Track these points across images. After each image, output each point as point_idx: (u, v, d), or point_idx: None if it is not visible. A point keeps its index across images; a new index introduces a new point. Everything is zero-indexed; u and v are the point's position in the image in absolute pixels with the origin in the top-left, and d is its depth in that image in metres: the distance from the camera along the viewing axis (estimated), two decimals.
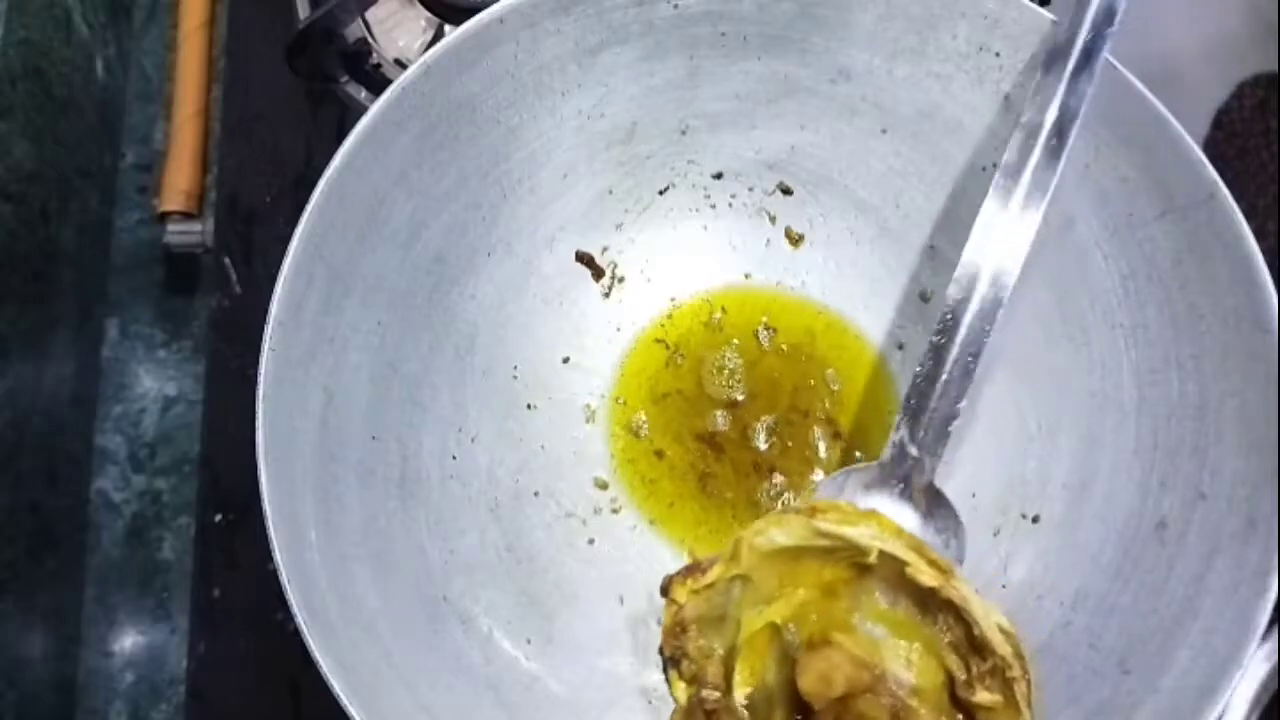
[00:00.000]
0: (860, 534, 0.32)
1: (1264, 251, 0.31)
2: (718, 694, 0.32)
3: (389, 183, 0.34)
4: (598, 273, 0.41)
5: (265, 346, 0.31)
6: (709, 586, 0.33)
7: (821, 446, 0.40)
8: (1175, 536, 0.33)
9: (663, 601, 0.36)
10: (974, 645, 0.31)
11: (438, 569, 0.35)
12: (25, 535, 0.41)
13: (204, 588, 0.41)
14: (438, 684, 0.32)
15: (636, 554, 0.39)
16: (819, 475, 0.40)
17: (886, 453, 0.34)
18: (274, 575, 0.29)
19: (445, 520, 0.36)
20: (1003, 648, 0.31)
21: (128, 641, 0.44)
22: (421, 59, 0.33)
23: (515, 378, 0.39)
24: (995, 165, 0.37)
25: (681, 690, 0.33)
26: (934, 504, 0.34)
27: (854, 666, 0.30)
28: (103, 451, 0.46)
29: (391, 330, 0.35)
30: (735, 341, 0.41)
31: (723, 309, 0.41)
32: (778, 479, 0.40)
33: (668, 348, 0.41)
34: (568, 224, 0.40)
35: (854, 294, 0.41)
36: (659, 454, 0.40)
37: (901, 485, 0.34)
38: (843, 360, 0.41)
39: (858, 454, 0.40)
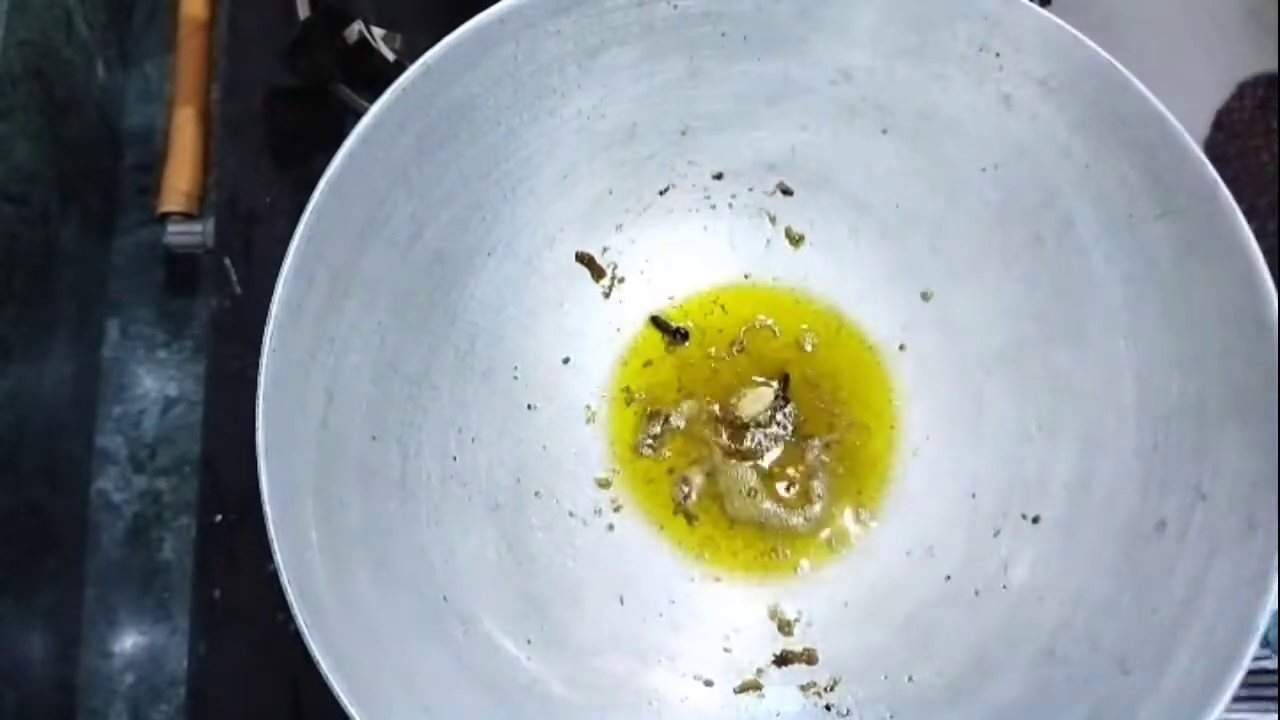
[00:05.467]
0: None
1: (1264, 251, 0.31)
2: None
3: (389, 183, 0.34)
4: (598, 273, 0.41)
5: (265, 347, 0.31)
6: None
7: (820, 445, 0.40)
8: (1175, 536, 0.33)
9: (663, 601, 0.36)
10: None
11: (438, 569, 0.35)
12: (25, 535, 0.41)
13: (204, 588, 0.41)
14: (438, 684, 0.32)
15: (637, 554, 0.39)
16: (817, 476, 0.40)
17: None
18: (274, 575, 0.29)
19: (445, 520, 0.36)
20: None
21: (128, 642, 0.44)
22: (421, 59, 0.33)
23: (515, 378, 0.39)
24: (995, 165, 0.37)
25: None
26: None
27: None
28: (103, 452, 0.46)
29: (392, 331, 0.35)
30: (735, 341, 0.41)
31: (723, 309, 0.41)
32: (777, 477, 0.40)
33: (668, 347, 0.41)
34: (568, 224, 0.40)
35: (854, 294, 0.41)
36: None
37: None
38: (842, 359, 0.41)
39: (856, 453, 0.40)
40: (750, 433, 0.40)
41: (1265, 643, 0.36)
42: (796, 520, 0.39)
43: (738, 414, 0.40)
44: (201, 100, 0.48)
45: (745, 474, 0.39)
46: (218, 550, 0.41)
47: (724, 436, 0.40)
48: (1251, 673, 0.29)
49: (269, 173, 0.46)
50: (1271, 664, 0.39)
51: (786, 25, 0.36)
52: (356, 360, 0.34)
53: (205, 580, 0.41)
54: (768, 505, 0.39)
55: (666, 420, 0.40)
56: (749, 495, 0.39)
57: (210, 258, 0.45)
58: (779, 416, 0.40)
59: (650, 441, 0.39)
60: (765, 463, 0.40)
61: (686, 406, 0.40)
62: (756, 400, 0.40)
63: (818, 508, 0.39)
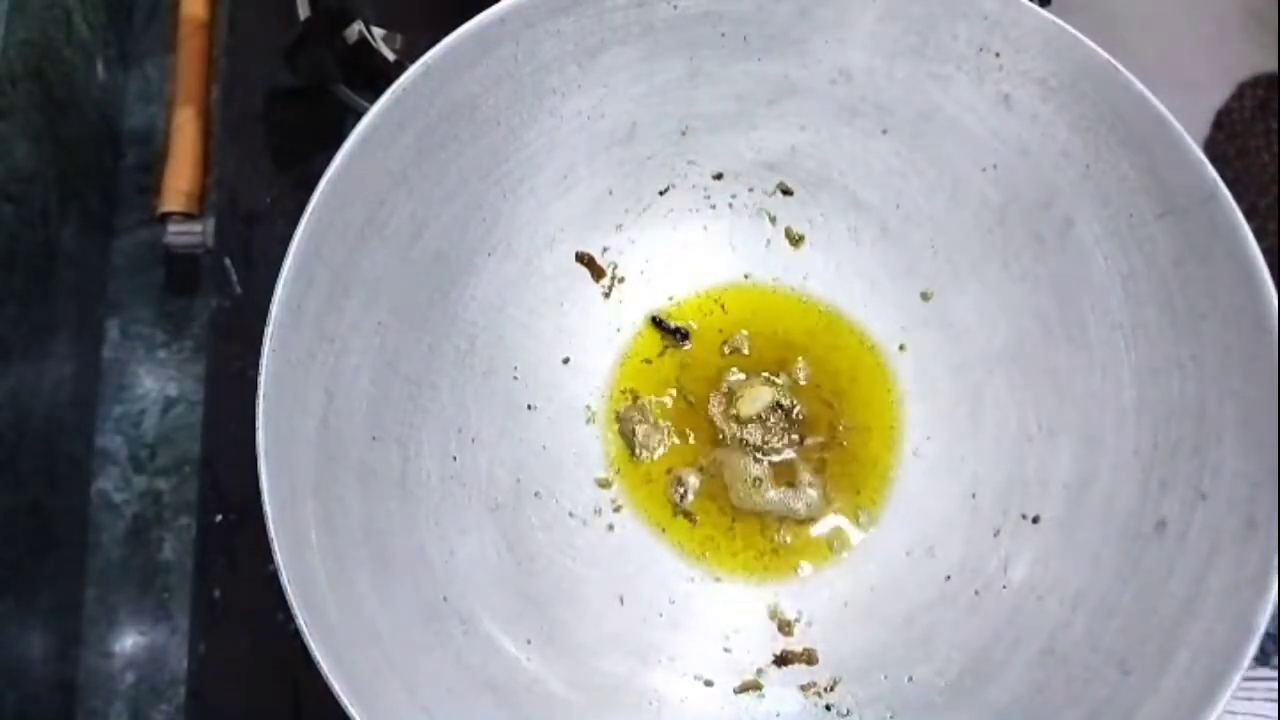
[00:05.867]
0: None
1: (1264, 251, 0.31)
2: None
3: (389, 183, 0.34)
4: (598, 273, 0.41)
5: (265, 347, 0.31)
6: None
7: (820, 445, 0.40)
8: (1175, 536, 0.33)
9: (663, 601, 0.36)
10: None
11: (438, 569, 0.35)
12: (25, 535, 0.41)
13: (204, 588, 0.41)
14: (438, 684, 0.32)
15: (637, 554, 0.39)
16: (817, 477, 0.40)
17: None
18: (274, 575, 0.29)
19: (445, 520, 0.36)
20: None
21: (128, 642, 0.44)
22: (422, 59, 0.33)
23: (515, 378, 0.39)
24: (995, 166, 0.37)
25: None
26: None
27: None
28: (103, 452, 0.46)
29: (392, 330, 0.35)
30: (735, 341, 0.41)
31: (723, 309, 0.41)
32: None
33: (668, 348, 0.41)
34: (568, 224, 0.40)
35: (854, 294, 0.41)
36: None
37: None
38: (842, 359, 0.41)
39: (856, 453, 0.40)
40: (750, 432, 0.40)
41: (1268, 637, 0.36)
42: (798, 505, 0.39)
43: (737, 413, 0.40)
44: (201, 100, 0.48)
45: (748, 465, 0.39)
46: (218, 550, 0.41)
47: (723, 436, 0.40)
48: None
49: (269, 173, 0.46)
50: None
51: (786, 25, 0.36)
52: (356, 360, 0.34)
53: (205, 580, 0.41)
54: (772, 494, 0.39)
55: (661, 424, 0.40)
56: (754, 485, 0.39)
57: (210, 258, 0.45)
58: (779, 416, 0.40)
59: (639, 447, 0.39)
60: (765, 462, 0.40)
61: (682, 407, 0.40)
62: (756, 400, 0.40)
63: (815, 495, 0.39)
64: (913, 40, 0.36)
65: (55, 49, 0.45)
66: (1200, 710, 0.29)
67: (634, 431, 0.39)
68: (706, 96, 0.38)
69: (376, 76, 0.44)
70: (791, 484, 0.39)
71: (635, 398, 0.40)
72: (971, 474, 0.38)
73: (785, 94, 0.38)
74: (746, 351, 0.41)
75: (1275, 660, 0.39)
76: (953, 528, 0.38)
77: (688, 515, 0.39)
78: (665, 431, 0.40)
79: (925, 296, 0.40)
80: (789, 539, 0.39)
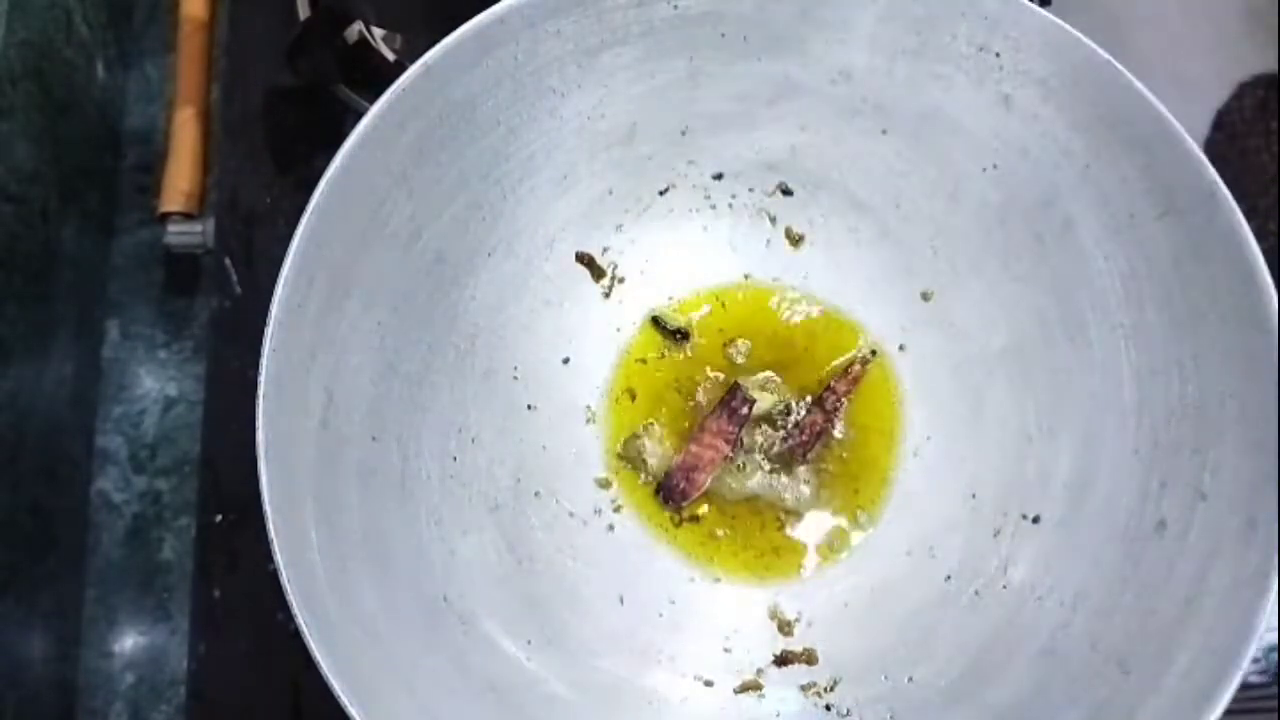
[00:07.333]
0: None
1: (1264, 251, 0.31)
2: None
3: (389, 183, 0.34)
4: (598, 273, 0.41)
5: (266, 347, 0.31)
6: None
7: (820, 445, 0.40)
8: (1175, 536, 0.33)
9: (663, 601, 0.36)
10: None
11: (438, 569, 0.35)
12: (25, 535, 0.41)
13: (204, 588, 0.41)
14: (438, 684, 0.32)
15: (637, 554, 0.39)
16: (817, 476, 0.40)
17: None
18: (274, 575, 0.29)
19: (445, 520, 0.36)
20: None
21: (128, 642, 0.44)
22: (421, 59, 0.33)
23: (516, 378, 0.39)
24: (995, 166, 0.37)
25: None
26: None
27: None
28: (103, 452, 0.46)
29: (392, 331, 0.35)
30: (735, 341, 0.41)
31: (723, 308, 0.41)
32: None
33: (668, 348, 0.41)
34: (568, 224, 0.40)
35: (854, 294, 0.41)
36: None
37: None
38: (842, 360, 0.41)
39: (855, 453, 0.40)
40: (750, 432, 0.40)
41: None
42: (786, 495, 0.39)
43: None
44: (201, 100, 0.48)
45: (747, 465, 0.39)
46: (218, 550, 0.41)
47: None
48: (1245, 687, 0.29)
49: (269, 173, 0.46)
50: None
51: (786, 25, 0.36)
52: (356, 360, 0.34)
53: (205, 580, 0.41)
54: (760, 477, 0.39)
55: (665, 442, 0.40)
56: (745, 473, 0.39)
57: (210, 258, 0.45)
58: (778, 416, 0.40)
59: (651, 473, 0.39)
60: (764, 460, 0.40)
61: (683, 407, 0.40)
62: (756, 400, 0.40)
63: (807, 490, 0.39)
64: (913, 40, 0.36)
65: (55, 49, 0.45)
66: (1200, 710, 0.29)
67: (644, 460, 0.39)
68: (706, 96, 0.38)
69: (376, 76, 0.44)
70: (786, 475, 0.39)
71: (634, 397, 0.40)
72: (971, 474, 0.38)
73: (785, 94, 0.38)
74: (746, 352, 0.41)
75: None
76: (953, 528, 0.38)
77: (689, 514, 0.39)
78: (669, 446, 0.40)
79: (925, 297, 0.40)
80: (789, 538, 0.39)
